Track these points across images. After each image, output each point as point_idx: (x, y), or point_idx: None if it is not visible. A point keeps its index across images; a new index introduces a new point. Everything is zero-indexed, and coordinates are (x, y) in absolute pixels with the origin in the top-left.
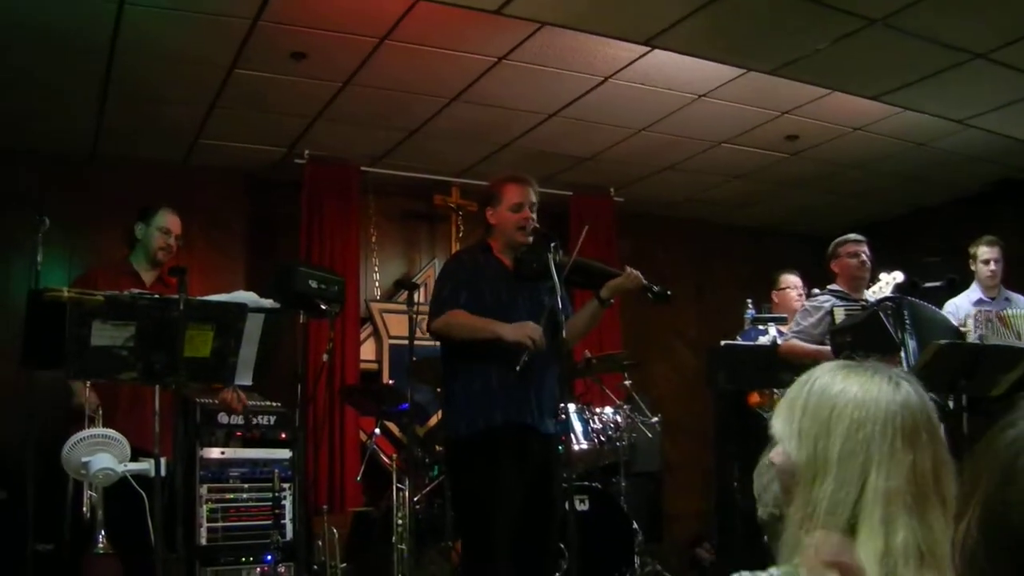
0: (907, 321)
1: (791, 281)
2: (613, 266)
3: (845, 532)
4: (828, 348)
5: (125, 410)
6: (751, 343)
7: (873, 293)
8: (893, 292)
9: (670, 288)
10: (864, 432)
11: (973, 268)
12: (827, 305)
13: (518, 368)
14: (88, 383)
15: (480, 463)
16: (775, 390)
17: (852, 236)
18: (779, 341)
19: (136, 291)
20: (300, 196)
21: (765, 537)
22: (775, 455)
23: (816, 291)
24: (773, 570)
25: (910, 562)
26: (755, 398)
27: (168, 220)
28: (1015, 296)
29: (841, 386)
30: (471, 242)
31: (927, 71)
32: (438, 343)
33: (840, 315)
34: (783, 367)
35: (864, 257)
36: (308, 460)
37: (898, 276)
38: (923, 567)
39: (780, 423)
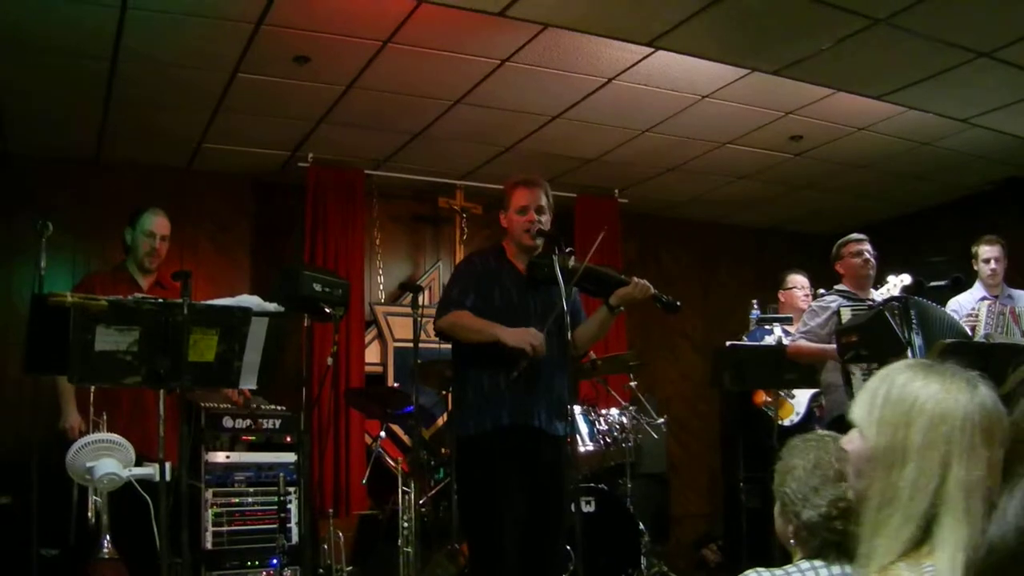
0: (914, 320)
1: (798, 281)
2: (619, 270)
3: (923, 521)
4: (832, 347)
5: (127, 415)
6: (756, 343)
7: (880, 295)
8: (900, 294)
9: (675, 289)
10: (946, 426)
11: (976, 267)
12: (834, 305)
13: (515, 374)
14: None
15: (487, 463)
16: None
17: (854, 235)
18: (785, 342)
19: (139, 296)
20: (304, 199)
21: (790, 543)
22: (848, 442)
23: (823, 291)
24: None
25: None
26: (760, 396)
27: (152, 223)
28: (1018, 293)
29: (922, 382)
30: (476, 246)
31: (931, 70)
32: (444, 345)
33: (847, 315)
34: (788, 367)
35: (868, 255)
36: (313, 463)
37: (905, 278)
38: None
39: (860, 411)
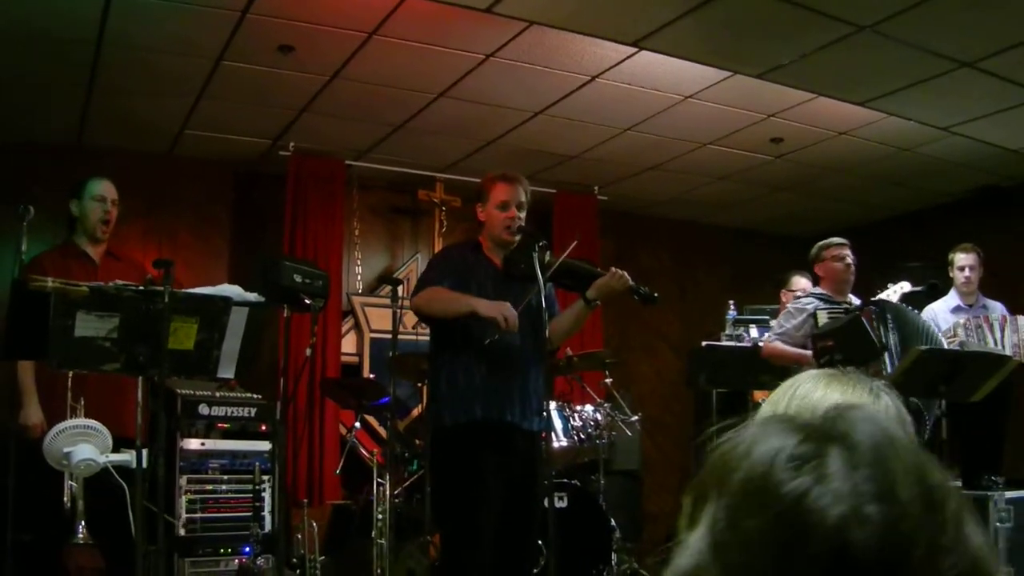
0: (891, 324)
1: (801, 284)
2: (597, 265)
3: None
4: (810, 353)
5: (95, 394)
6: (732, 344)
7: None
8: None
9: (652, 288)
10: None
11: (951, 275)
12: (810, 307)
13: (487, 342)
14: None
15: (461, 455)
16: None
17: (836, 240)
18: (760, 343)
19: (121, 282)
20: (285, 188)
21: None
22: None
23: (799, 293)
24: None
25: None
26: (760, 394)
27: (101, 187)
28: (992, 303)
29: (823, 393)
30: (455, 239)
31: (914, 78)
32: (422, 337)
33: (823, 318)
34: (763, 368)
35: (849, 260)
36: (288, 453)
37: (905, 286)
38: None
39: None
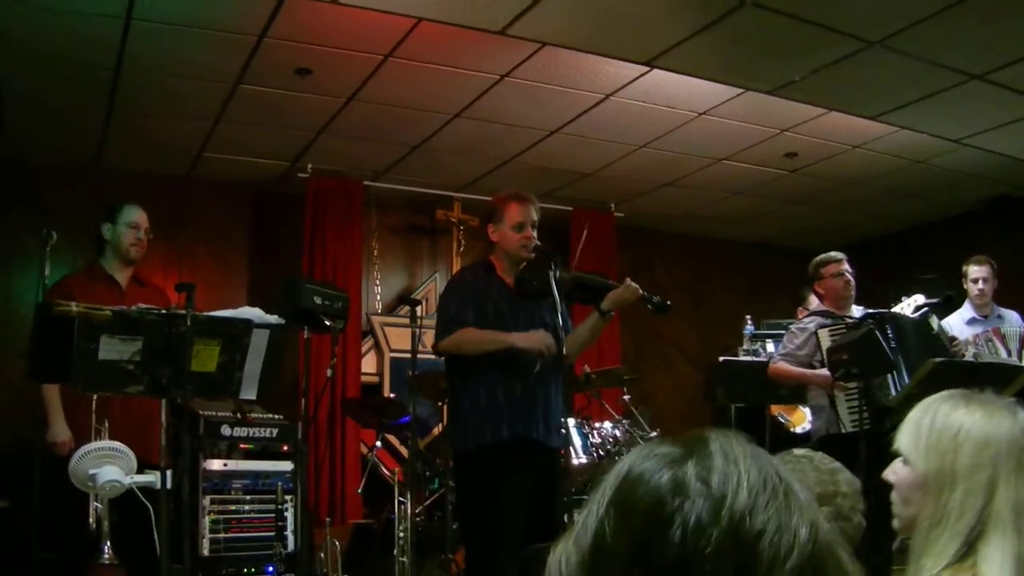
0: (890, 335)
1: (817, 301)
2: (612, 280)
3: (969, 536)
4: (814, 371)
5: (118, 418)
6: (749, 359)
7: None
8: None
9: (668, 301)
10: (990, 451)
11: (965, 287)
12: (811, 326)
13: (531, 379)
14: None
15: (488, 477)
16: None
17: (833, 255)
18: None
19: (144, 306)
20: (303, 209)
21: None
22: (892, 473)
23: (805, 312)
24: None
25: None
26: (777, 407)
27: (136, 215)
28: (1007, 313)
29: (964, 410)
30: (473, 258)
31: (924, 92)
32: (441, 358)
33: (824, 337)
34: (780, 385)
35: (848, 276)
36: (310, 472)
37: (918, 299)
38: None
39: (906, 441)
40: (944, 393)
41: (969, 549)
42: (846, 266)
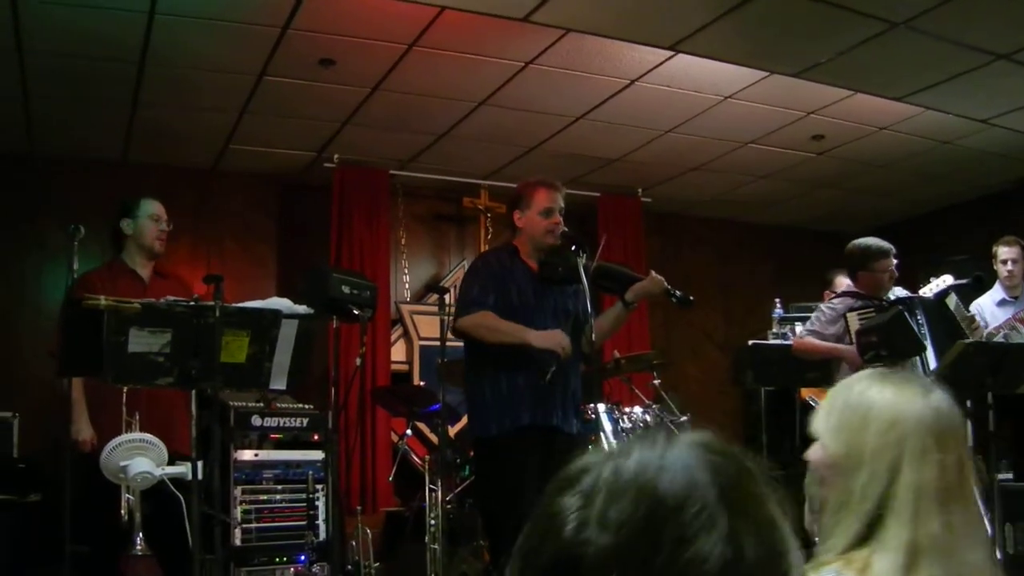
0: (920, 319)
1: (845, 285)
2: (640, 268)
3: (869, 521)
4: (842, 346)
5: (148, 409)
6: (778, 342)
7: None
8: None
9: (697, 287)
10: (896, 432)
11: (996, 268)
12: (840, 307)
13: (548, 377)
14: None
15: (508, 463)
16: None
17: (885, 247)
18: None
19: (172, 298)
20: (330, 200)
21: (815, 539)
22: (812, 452)
23: (835, 295)
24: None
25: (933, 552)
26: (807, 389)
27: (155, 207)
28: None
29: (877, 390)
30: (498, 244)
31: (950, 73)
32: (459, 340)
33: (854, 319)
34: (810, 366)
35: (895, 271)
36: (340, 461)
37: (948, 279)
38: (944, 557)
39: (820, 421)
40: (863, 372)
41: (867, 534)
42: (894, 260)
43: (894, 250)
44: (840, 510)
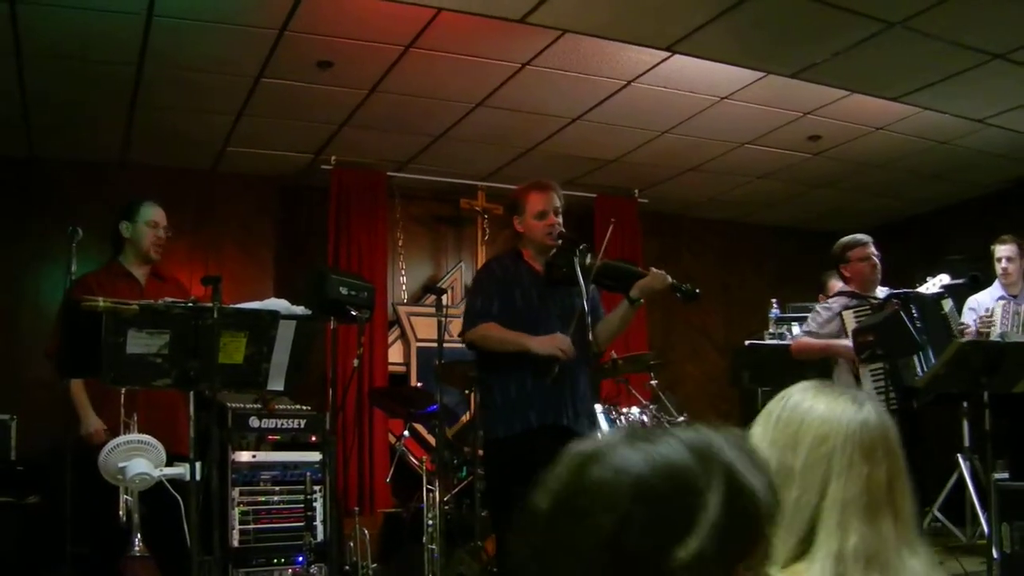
0: (915, 315)
1: (839, 287)
2: (636, 264)
3: (803, 535)
4: (838, 342)
5: (146, 410)
6: (775, 342)
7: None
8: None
9: (696, 287)
10: (826, 447)
11: (994, 266)
12: (835, 307)
13: (548, 381)
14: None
15: (517, 464)
16: None
17: (859, 238)
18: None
19: (170, 299)
20: (327, 201)
21: None
22: None
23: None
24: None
25: (859, 564)
26: None
27: (154, 212)
28: None
29: (810, 404)
30: (498, 246)
31: (946, 72)
32: (468, 349)
33: (849, 318)
34: (808, 366)
35: (875, 259)
36: (338, 462)
37: (944, 279)
38: (870, 569)
39: (758, 432)
40: (802, 384)
41: (802, 549)
42: (872, 249)
43: (870, 239)
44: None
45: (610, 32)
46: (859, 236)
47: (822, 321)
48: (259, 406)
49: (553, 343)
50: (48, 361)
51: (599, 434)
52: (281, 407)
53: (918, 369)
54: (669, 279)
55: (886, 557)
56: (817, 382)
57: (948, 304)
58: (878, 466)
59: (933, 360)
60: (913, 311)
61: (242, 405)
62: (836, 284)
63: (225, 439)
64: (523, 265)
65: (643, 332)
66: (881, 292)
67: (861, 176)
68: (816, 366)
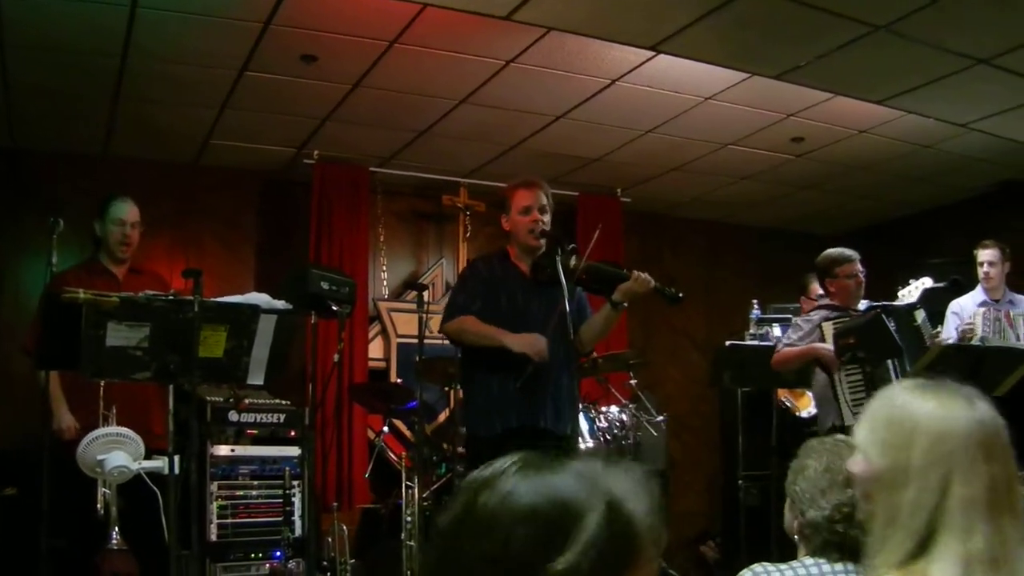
0: (891, 324)
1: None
2: (621, 265)
3: (922, 535)
4: (819, 345)
5: (124, 403)
6: (755, 343)
7: (901, 297)
8: (920, 297)
9: (677, 288)
10: (946, 446)
11: (977, 271)
12: (816, 318)
13: (520, 381)
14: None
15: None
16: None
17: (847, 254)
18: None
19: (151, 292)
20: (310, 196)
21: (795, 538)
22: (854, 464)
23: (814, 298)
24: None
25: (985, 565)
26: (783, 391)
27: (122, 211)
28: (1019, 297)
29: (921, 402)
30: (479, 243)
31: (931, 76)
32: (448, 343)
33: (829, 328)
34: (786, 371)
35: (861, 276)
36: (317, 458)
37: (926, 282)
38: (995, 570)
39: (863, 434)
40: (904, 383)
41: (921, 549)
42: (859, 266)
43: (858, 256)
44: (889, 525)
45: (595, 30)
46: (847, 252)
47: (803, 334)
48: (232, 400)
49: (528, 342)
50: (27, 357)
51: (579, 437)
52: (260, 402)
53: (892, 376)
54: (652, 283)
55: (1009, 556)
56: (920, 381)
57: (921, 315)
58: (998, 465)
59: (908, 368)
60: (890, 320)
61: (221, 399)
62: (817, 287)
63: (204, 433)
64: (509, 265)
65: (623, 331)
66: (862, 305)
67: (844, 178)
68: (796, 369)
